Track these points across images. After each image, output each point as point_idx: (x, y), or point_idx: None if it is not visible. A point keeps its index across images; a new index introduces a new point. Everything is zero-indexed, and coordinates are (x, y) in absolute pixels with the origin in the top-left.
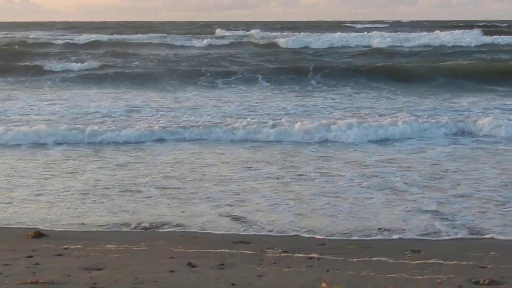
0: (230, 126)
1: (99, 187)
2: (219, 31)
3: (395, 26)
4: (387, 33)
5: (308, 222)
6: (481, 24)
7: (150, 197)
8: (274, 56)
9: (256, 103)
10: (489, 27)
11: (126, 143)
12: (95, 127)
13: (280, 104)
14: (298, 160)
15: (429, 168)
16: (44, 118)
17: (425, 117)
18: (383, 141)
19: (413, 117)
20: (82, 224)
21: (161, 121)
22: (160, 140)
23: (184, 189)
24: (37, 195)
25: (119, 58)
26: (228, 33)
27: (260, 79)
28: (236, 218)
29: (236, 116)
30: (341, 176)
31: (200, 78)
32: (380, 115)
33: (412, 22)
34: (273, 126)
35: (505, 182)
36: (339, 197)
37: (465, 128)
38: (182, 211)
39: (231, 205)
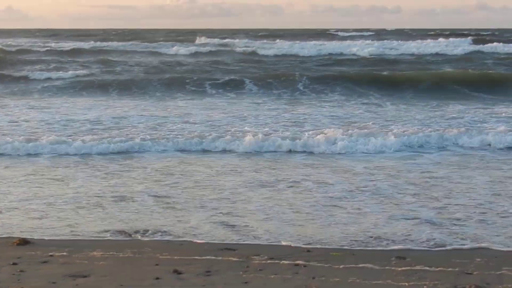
0: (220, 135)
1: (88, 195)
2: (204, 39)
3: (381, 34)
4: (373, 41)
5: (294, 229)
6: (466, 32)
7: (136, 204)
8: (260, 63)
9: (246, 111)
10: (475, 36)
11: (115, 152)
12: (84, 137)
13: (270, 112)
14: (286, 168)
15: (420, 175)
16: (32, 126)
17: (414, 126)
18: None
19: (403, 125)
20: (70, 232)
21: (150, 130)
22: (150, 149)
23: (171, 196)
24: (26, 203)
25: (105, 65)
26: (213, 40)
27: (248, 87)
28: (222, 225)
29: (225, 124)
30: (329, 184)
31: (188, 85)
32: (369, 124)
33: (397, 30)
34: (263, 134)
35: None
36: (328, 204)
37: (454, 137)
38: (168, 218)
39: (218, 212)
